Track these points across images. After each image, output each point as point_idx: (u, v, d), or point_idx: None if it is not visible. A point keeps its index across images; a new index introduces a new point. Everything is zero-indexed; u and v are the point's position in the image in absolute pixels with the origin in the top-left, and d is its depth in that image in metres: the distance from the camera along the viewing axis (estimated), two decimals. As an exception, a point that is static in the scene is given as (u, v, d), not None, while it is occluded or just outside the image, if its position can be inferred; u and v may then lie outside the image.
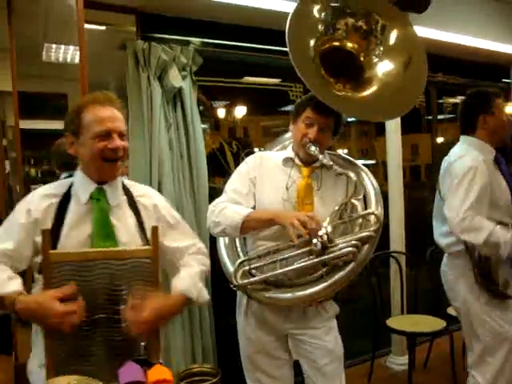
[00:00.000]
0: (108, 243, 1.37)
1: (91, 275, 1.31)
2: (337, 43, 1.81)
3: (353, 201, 1.70)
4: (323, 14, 1.75)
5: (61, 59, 4.37)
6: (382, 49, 1.81)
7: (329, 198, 1.74)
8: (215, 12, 2.59)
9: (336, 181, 1.77)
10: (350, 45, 1.83)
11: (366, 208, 1.71)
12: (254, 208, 1.76)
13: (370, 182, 1.78)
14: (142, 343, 1.29)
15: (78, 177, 1.44)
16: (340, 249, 1.58)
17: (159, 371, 1.20)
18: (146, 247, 1.40)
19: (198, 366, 2.41)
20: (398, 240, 3.29)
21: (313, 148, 1.69)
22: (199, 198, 2.61)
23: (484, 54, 3.76)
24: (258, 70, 3.17)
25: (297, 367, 1.88)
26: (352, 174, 1.70)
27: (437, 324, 2.87)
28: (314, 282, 1.62)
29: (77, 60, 4.26)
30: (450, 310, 3.14)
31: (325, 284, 1.60)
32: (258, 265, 1.67)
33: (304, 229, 1.53)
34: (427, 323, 2.91)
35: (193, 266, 1.52)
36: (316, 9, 1.74)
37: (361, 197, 1.73)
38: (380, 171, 4.10)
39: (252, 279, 1.65)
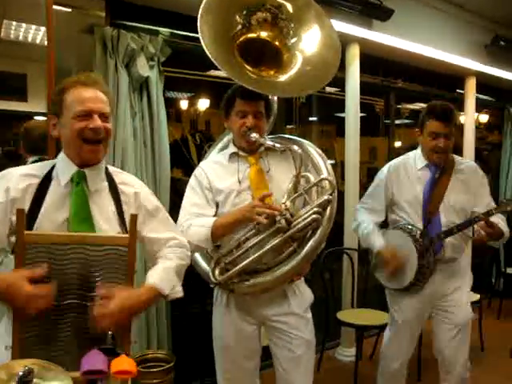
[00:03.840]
0: (84, 228, 1.33)
1: (65, 259, 1.27)
2: (252, 35, 1.89)
3: (304, 173, 1.77)
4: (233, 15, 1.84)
5: (21, 38, 4.22)
6: (292, 29, 1.90)
7: (281, 177, 1.80)
8: (184, 3, 2.60)
9: (283, 159, 1.83)
10: (264, 34, 1.90)
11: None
12: (215, 214, 1.80)
13: (314, 151, 1.85)
14: (110, 332, 1.25)
15: (60, 159, 1.40)
16: (304, 219, 1.66)
17: (123, 362, 1.17)
18: (124, 235, 1.36)
19: (152, 351, 2.48)
20: (351, 237, 3.41)
21: (253, 135, 1.74)
22: (161, 187, 2.63)
23: (442, 64, 3.95)
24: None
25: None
26: (295, 147, 1.75)
27: (384, 318, 2.98)
28: (288, 259, 1.68)
29: (38, 40, 4.13)
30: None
31: (299, 257, 1.67)
32: (231, 258, 1.70)
33: (268, 209, 1.62)
34: (375, 317, 3.05)
35: (170, 260, 1.49)
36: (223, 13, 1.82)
37: (310, 167, 1.81)
38: (338, 171, 4.23)
39: (230, 272, 1.68)
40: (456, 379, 2.25)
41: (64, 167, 1.38)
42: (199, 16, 1.71)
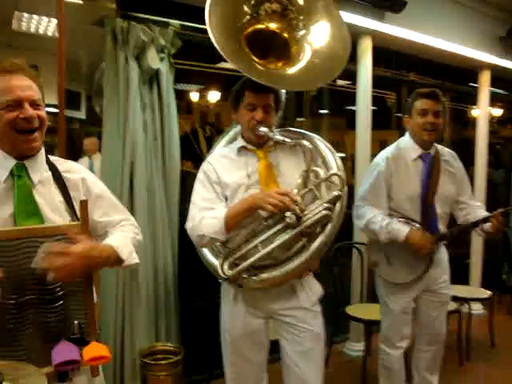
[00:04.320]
0: (32, 221, 1.28)
1: (18, 254, 1.22)
2: (260, 26, 1.86)
3: (313, 168, 1.74)
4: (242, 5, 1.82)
5: (33, 30, 4.23)
6: (301, 21, 1.87)
7: (290, 172, 1.78)
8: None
9: (292, 153, 1.81)
10: (272, 25, 1.87)
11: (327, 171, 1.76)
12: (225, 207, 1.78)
13: (324, 146, 1.83)
14: (76, 322, 1.23)
15: None
16: (314, 215, 1.64)
17: (95, 348, 1.18)
18: (75, 223, 1.32)
19: (160, 344, 2.49)
20: (361, 231, 3.38)
21: (262, 128, 1.72)
22: (171, 180, 2.63)
23: (455, 57, 3.89)
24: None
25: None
26: (306, 142, 1.73)
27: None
28: (297, 254, 1.67)
29: (50, 32, 4.13)
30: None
31: (308, 252, 1.66)
32: (240, 253, 1.69)
33: (279, 201, 1.58)
34: (384, 312, 3.03)
35: (126, 231, 1.46)
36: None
37: (319, 162, 1.78)
38: (348, 164, 4.20)
39: (239, 267, 1.66)
40: (440, 348, 2.44)
41: (1, 162, 1.31)
42: (207, 6, 1.69)
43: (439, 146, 2.37)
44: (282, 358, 1.88)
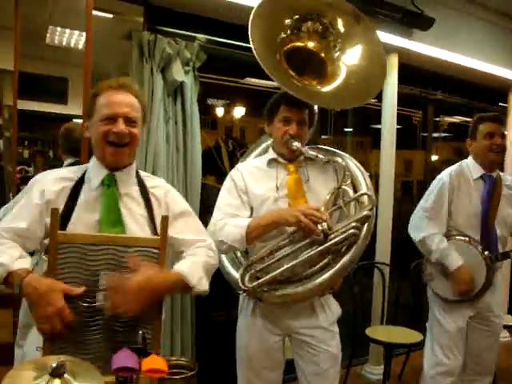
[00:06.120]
0: (116, 230, 1.35)
1: (96, 259, 1.28)
2: (299, 43, 1.89)
3: (343, 187, 1.74)
4: (285, 20, 1.85)
5: (65, 43, 4.36)
6: (340, 43, 1.91)
7: (319, 188, 1.78)
8: (222, 10, 2.61)
9: (323, 170, 1.82)
10: (311, 44, 1.91)
11: (355, 191, 1.76)
12: (250, 217, 1.77)
13: (355, 166, 1.83)
14: (140, 332, 1.22)
15: (92, 162, 1.45)
16: (342, 233, 1.62)
17: (154, 360, 1.17)
18: (155, 237, 1.38)
19: (175, 358, 2.45)
20: (383, 251, 3.32)
21: (295, 143, 1.73)
22: (192, 193, 2.62)
23: (484, 76, 3.82)
24: (260, 71, 3.17)
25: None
26: (339, 159, 1.74)
27: (414, 336, 2.90)
28: (321, 271, 1.65)
29: (81, 45, 4.25)
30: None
31: (333, 270, 1.64)
32: (263, 266, 1.67)
33: (312, 222, 1.58)
34: (405, 335, 2.95)
35: (199, 256, 1.47)
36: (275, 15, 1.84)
37: (349, 181, 1.77)
38: (372, 183, 4.13)
39: (261, 280, 1.64)
40: (490, 379, 2.41)
41: (96, 170, 1.42)
42: (250, 18, 1.71)
43: (501, 172, 2.43)
44: (298, 378, 1.84)
